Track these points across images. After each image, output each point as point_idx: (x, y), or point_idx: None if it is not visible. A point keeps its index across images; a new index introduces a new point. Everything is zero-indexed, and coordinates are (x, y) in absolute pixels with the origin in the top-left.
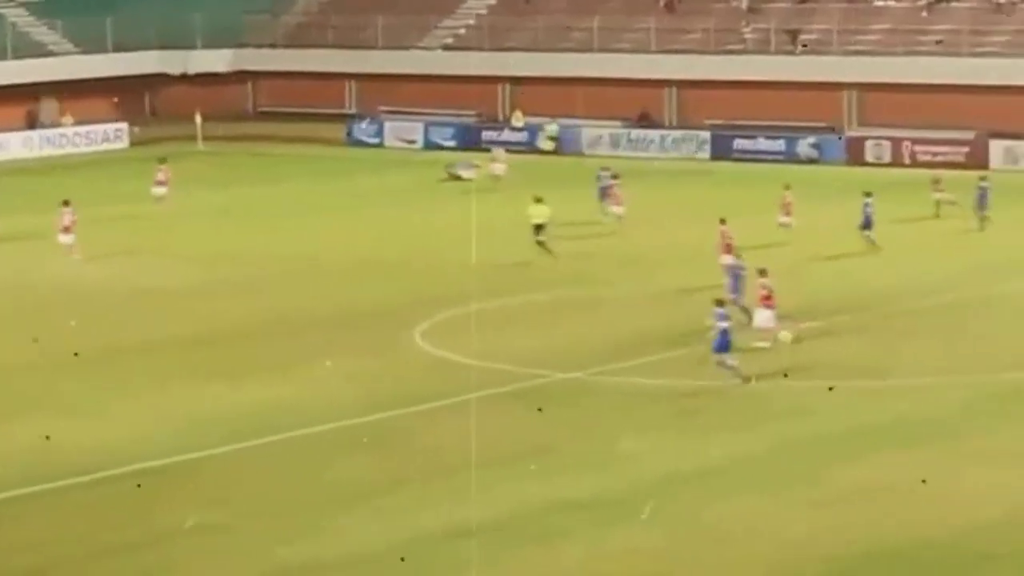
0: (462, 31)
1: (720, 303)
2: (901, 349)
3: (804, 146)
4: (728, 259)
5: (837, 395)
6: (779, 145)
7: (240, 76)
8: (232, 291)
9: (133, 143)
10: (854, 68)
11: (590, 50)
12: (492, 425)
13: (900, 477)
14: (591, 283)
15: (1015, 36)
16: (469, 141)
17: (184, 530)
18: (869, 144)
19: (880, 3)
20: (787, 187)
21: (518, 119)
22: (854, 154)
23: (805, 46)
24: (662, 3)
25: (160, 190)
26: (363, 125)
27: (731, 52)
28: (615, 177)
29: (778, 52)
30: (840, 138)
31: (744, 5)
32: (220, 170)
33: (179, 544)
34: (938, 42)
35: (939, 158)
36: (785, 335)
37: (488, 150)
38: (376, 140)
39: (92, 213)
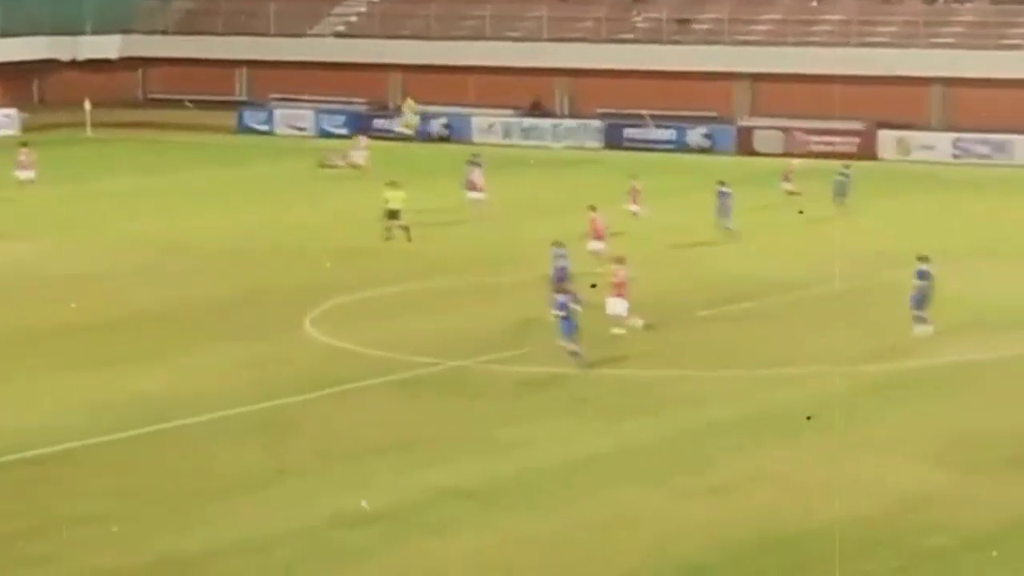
0: (354, 18)
1: (561, 290)
2: (787, 338)
3: (695, 135)
4: (596, 245)
5: (728, 383)
6: (670, 134)
7: (130, 62)
8: (122, 278)
9: (22, 129)
10: (745, 58)
11: (482, 38)
12: (381, 413)
13: (789, 465)
14: (478, 271)
15: (904, 27)
16: (360, 128)
17: (73, 519)
18: (760, 134)
19: None
20: (634, 176)
21: (409, 107)
22: (745, 144)
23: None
24: None
25: (26, 173)
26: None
27: (622, 41)
28: (476, 164)
29: (669, 41)
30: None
31: None
32: (110, 157)
33: (68, 533)
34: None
35: (829, 148)
36: (636, 322)
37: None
38: (266, 127)
39: None
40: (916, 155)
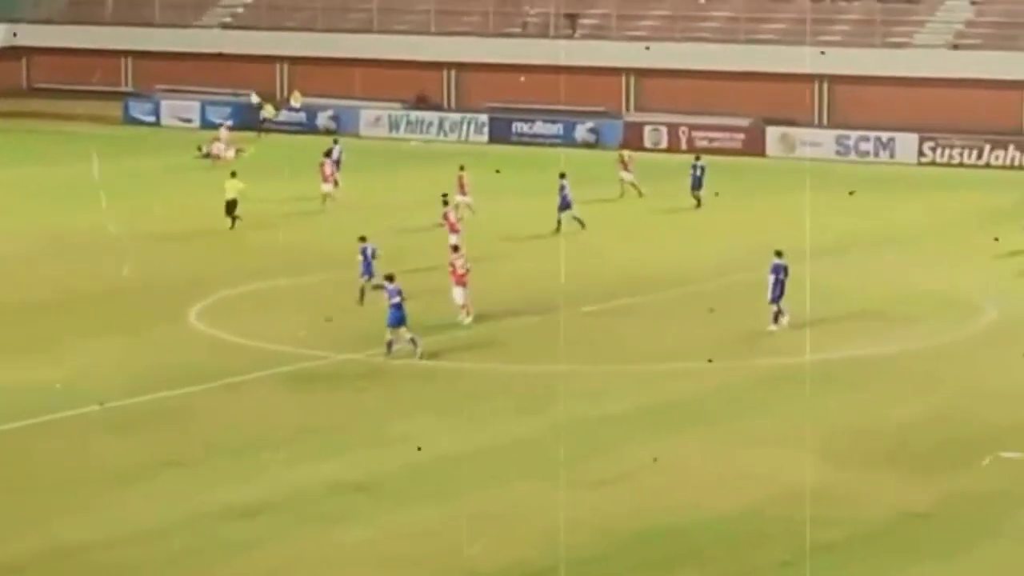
0: (240, 10)
1: (390, 278)
2: (672, 333)
3: (582, 130)
4: (453, 238)
5: (616, 378)
6: (557, 129)
7: (14, 52)
8: (5, 269)
9: None
10: (632, 54)
11: (369, 31)
12: (270, 406)
13: (678, 458)
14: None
15: (791, 24)
16: (247, 121)
17: None
18: (647, 129)
19: None
20: (462, 168)
21: (296, 99)
22: (632, 139)
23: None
24: None
25: None
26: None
27: (510, 35)
28: (328, 155)
29: (557, 36)
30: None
31: None
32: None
33: None
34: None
35: (715, 144)
36: (466, 317)
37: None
38: (152, 119)
39: None
40: (801, 151)
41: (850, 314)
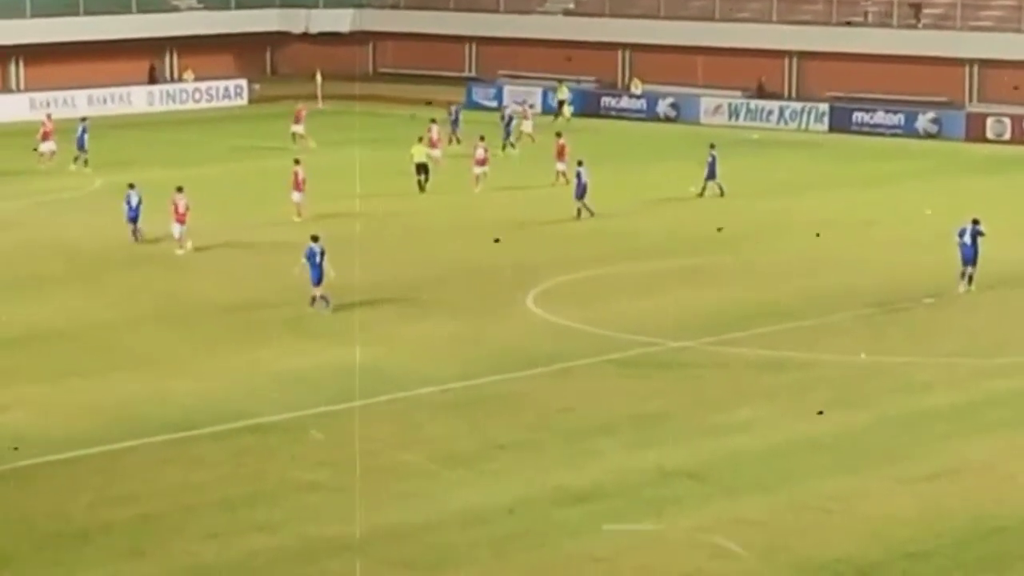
0: None
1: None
2: (1001, 327)
3: (923, 121)
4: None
5: (952, 371)
6: (898, 119)
7: (360, 36)
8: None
9: (253, 100)
10: (976, 43)
11: (711, 19)
12: (602, 392)
13: (1006, 455)
14: (700, 253)
15: None
16: (588, 107)
17: (289, 487)
18: (990, 121)
19: None
20: (433, 120)
21: (636, 86)
22: (974, 130)
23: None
24: None
25: (47, 145)
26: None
27: (853, 24)
28: (433, 121)
29: (900, 26)
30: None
31: None
32: (340, 130)
33: (289, 500)
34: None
35: None
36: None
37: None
38: (495, 104)
39: (208, 171)
40: None
41: None
